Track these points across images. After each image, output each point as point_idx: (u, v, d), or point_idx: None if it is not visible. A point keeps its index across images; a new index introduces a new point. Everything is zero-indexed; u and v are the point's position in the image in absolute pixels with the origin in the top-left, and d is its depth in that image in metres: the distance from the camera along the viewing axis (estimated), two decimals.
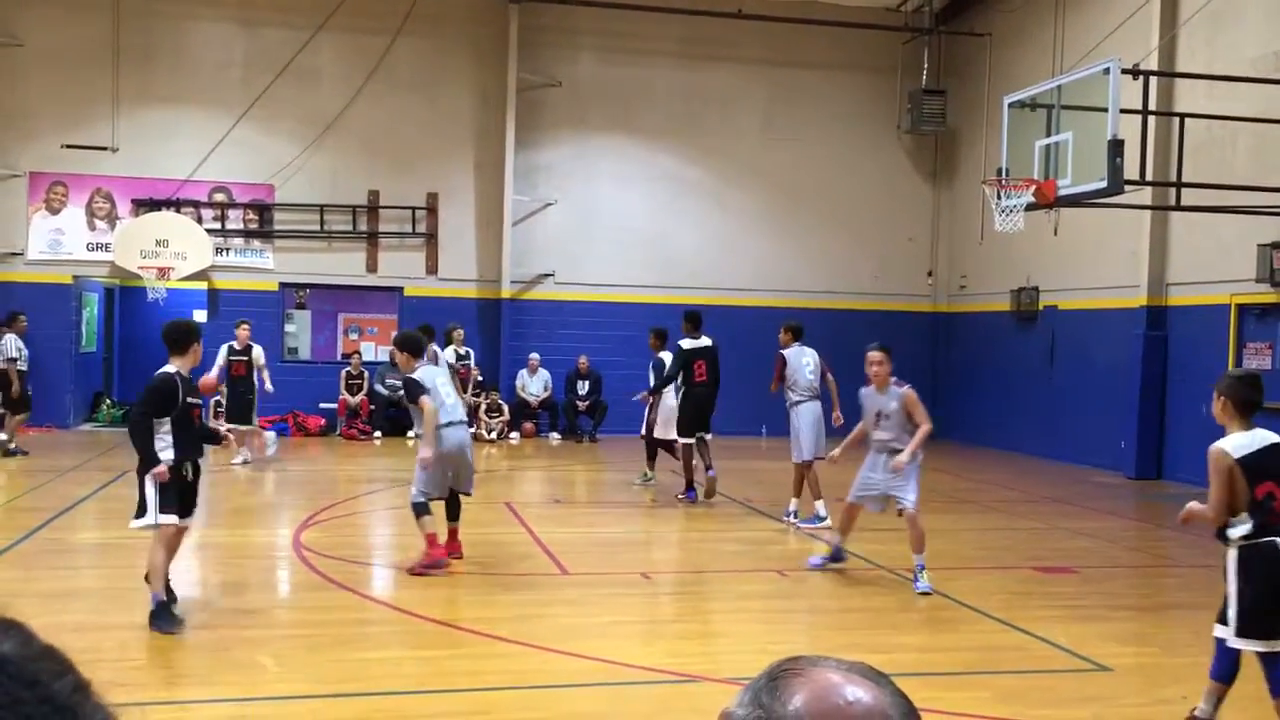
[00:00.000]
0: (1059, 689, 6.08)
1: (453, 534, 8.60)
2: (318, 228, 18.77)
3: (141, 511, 6.85)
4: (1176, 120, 12.17)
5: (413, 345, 8.56)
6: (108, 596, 7.62)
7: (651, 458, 13.14)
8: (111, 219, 18.14)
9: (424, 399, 8.02)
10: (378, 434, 18.06)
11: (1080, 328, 16.93)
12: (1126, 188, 10.71)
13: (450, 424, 8.31)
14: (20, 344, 15.36)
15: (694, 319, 12.42)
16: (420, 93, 19.04)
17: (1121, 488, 14.60)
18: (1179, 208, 12.68)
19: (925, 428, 8.07)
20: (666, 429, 12.58)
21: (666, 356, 12.77)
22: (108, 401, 19.51)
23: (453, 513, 8.63)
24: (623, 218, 19.72)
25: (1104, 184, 10.39)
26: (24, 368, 15.40)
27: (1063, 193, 11.01)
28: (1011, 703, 5.68)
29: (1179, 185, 11.75)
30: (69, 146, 17.89)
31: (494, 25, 19.03)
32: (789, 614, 7.70)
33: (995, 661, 6.50)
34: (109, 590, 7.81)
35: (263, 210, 18.65)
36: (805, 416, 10.88)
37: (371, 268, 19.08)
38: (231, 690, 5.68)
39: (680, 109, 19.96)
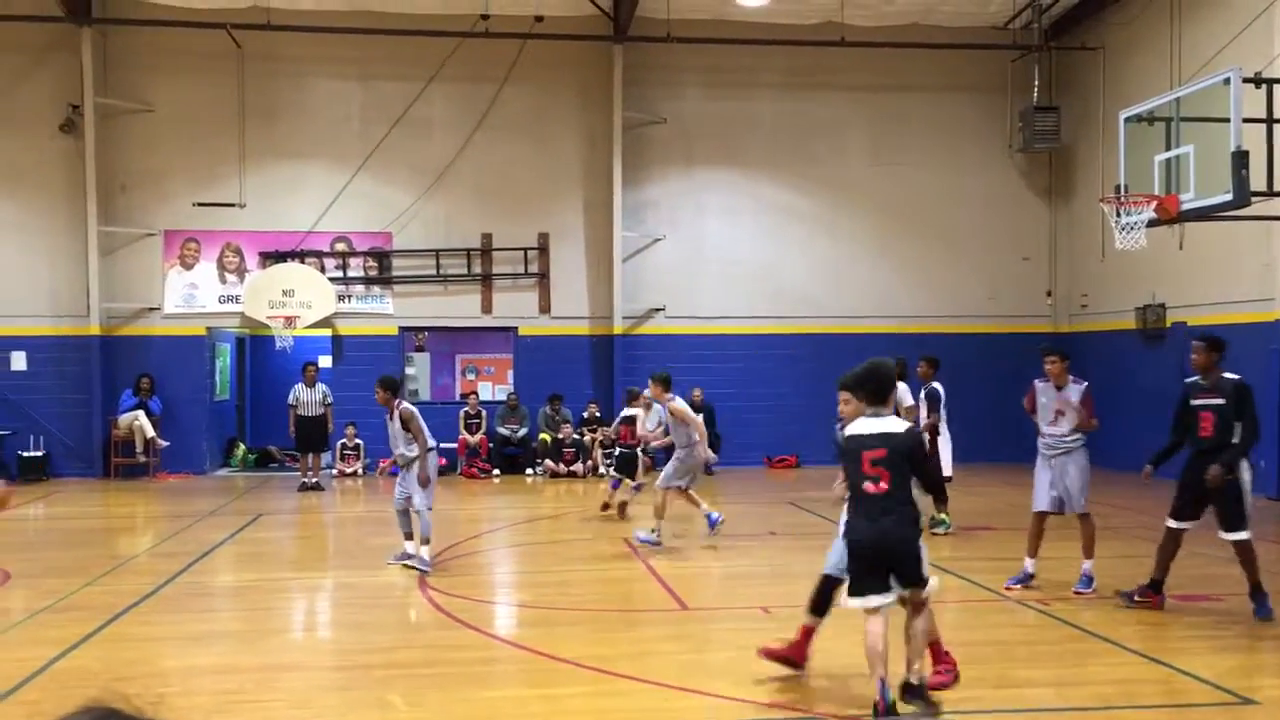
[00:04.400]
0: None
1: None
2: (434, 272, 19.27)
3: None
4: None
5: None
6: (245, 639, 7.90)
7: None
8: (241, 272, 18.93)
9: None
10: (496, 472, 18.37)
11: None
12: (1254, 199, 10.34)
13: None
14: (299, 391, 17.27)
15: (936, 362, 12.32)
16: (529, 136, 19.46)
17: (1263, 509, 13.90)
18: None
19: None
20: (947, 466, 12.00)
21: (938, 386, 12.17)
22: (241, 447, 20.29)
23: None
24: (731, 250, 19.77)
25: (1229, 196, 10.05)
26: (304, 413, 17.32)
27: (1186, 207, 10.67)
28: None
29: None
30: (200, 204, 18.78)
31: (598, 67, 19.36)
32: None
33: (1134, 695, 6.28)
34: (247, 632, 8.10)
35: (381, 257, 19.24)
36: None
37: (486, 309, 19.49)
38: None
39: (786, 139, 19.96)
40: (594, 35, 19.10)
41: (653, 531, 11.42)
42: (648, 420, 19.01)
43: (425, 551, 10.04)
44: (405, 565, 10.13)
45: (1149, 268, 17.00)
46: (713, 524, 12.03)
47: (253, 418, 22.28)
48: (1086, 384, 9.05)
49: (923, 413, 11.81)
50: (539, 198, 19.54)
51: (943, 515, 11.96)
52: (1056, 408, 8.97)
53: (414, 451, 10.15)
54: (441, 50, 18.75)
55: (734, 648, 7.46)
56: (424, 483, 10.02)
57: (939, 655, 6.32)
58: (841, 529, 6.37)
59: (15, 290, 18.37)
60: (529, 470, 18.63)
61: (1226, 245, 15.58)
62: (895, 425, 5.97)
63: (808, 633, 6.62)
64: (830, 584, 6.55)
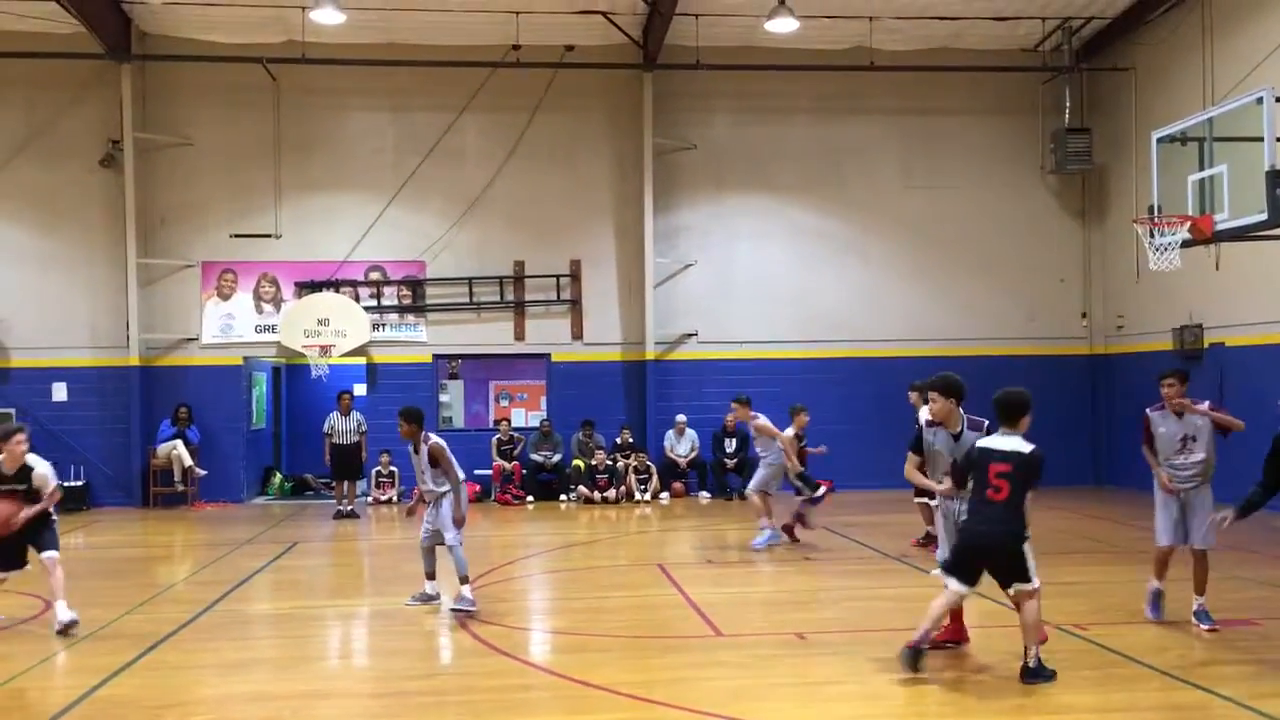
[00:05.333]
0: None
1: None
2: (467, 300, 19.41)
3: None
4: None
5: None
6: (282, 666, 7.96)
7: None
8: (277, 302, 19.15)
9: None
10: (530, 498, 18.42)
11: (1250, 365, 16.12)
12: None
13: None
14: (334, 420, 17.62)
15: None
16: (560, 164, 19.61)
17: None
18: None
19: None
20: None
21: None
22: (278, 475, 20.46)
23: None
24: (763, 274, 19.79)
25: (1264, 216, 9.96)
26: (339, 441, 17.58)
27: (1220, 227, 10.59)
28: None
29: None
30: (237, 236, 19.04)
31: (628, 94, 19.50)
32: (947, 673, 7.50)
33: None
34: (283, 659, 8.16)
35: (415, 286, 19.41)
36: None
37: (519, 336, 19.59)
38: None
39: (816, 164, 20.00)
40: (624, 64, 19.25)
41: (763, 531, 12.66)
42: (679, 445, 19.09)
43: (466, 590, 9.44)
44: (453, 610, 9.38)
45: (1185, 288, 16.85)
46: (765, 541, 12.86)
47: (289, 446, 22.46)
48: (1207, 402, 8.74)
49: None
50: (570, 225, 19.67)
51: None
52: (1184, 434, 8.49)
53: (444, 486, 9.70)
54: (473, 81, 18.96)
55: (770, 674, 7.44)
56: (459, 522, 9.59)
57: (958, 628, 7.83)
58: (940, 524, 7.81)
59: (56, 322, 18.68)
60: (563, 497, 18.66)
61: (1264, 265, 15.41)
62: (1024, 445, 7.06)
63: (957, 615, 7.77)
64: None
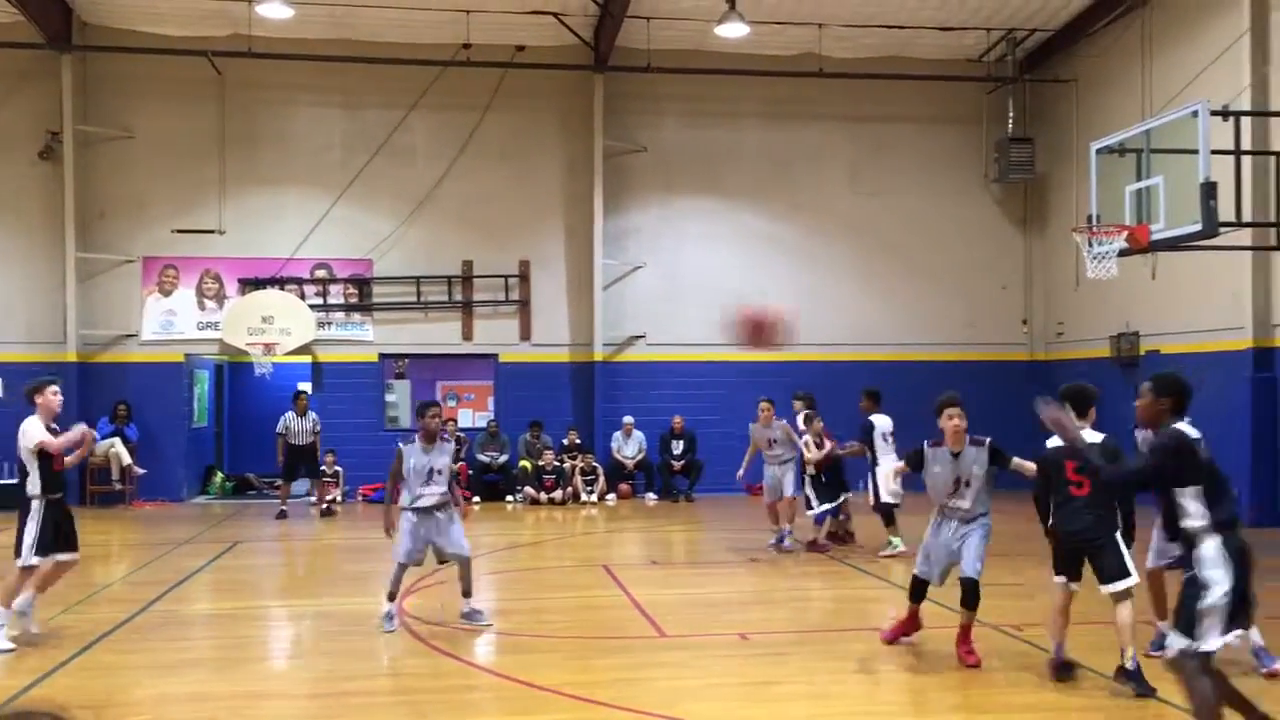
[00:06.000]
0: None
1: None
2: (414, 299, 19.29)
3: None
4: (1274, 159, 11.90)
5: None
6: (220, 666, 7.87)
7: (890, 523, 12.55)
8: (220, 299, 18.90)
9: None
10: (476, 499, 18.34)
11: (1185, 372, 16.44)
12: (1223, 229, 10.51)
13: None
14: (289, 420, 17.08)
15: (877, 396, 13.03)
16: (510, 164, 19.56)
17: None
18: None
19: None
20: (882, 491, 12.54)
21: (880, 421, 12.79)
22: (220, 475, 20.19)
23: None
24: (712, 277, 19.87)
25: (1198, 226, 10.21)
26: (295, 441, 17.03)
27: (1156, 237, 10.83)
28: None
29: (1279, 225, 11.47)
30: (179, 231, 18.76)
31: (579, 95, 19.50)
32: (891, 674, 7.60)
33: None
34: (221, 660, 8.07)
35: (362, 284, 19.25)
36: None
37: (467, 336, 19.51)
38: None
39: (766, 168, 20.13)
40: (575, 65, 19.25)
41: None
42: (626, 447, 19.11)
43: (476, 602, 9.07)
44: (472, 625, 8.81)
45: (1122, 297, 17.19)
46: (781, 540, 12.77)
47: (231, 445, 22.17)
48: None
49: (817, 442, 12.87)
50: (520, 225, 19.63)
51: (890, 537, 12.45)
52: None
53: (445, 491, 8.91)
54: (423, 79, 18.86)
55: (712, 674, 7.48)
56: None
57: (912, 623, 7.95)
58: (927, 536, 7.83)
59: None
60: (509, 497, 18.61)
61: (1198, 274, 15.78)
62: (1094, 436, 6.89)
63: (914, 612, 7.93)
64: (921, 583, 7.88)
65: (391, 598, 8.90)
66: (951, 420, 7.63)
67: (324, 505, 16.93)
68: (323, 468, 18.29)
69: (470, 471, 18.61)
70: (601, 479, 18.60)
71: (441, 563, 9.22)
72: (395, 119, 19.06)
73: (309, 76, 19.00)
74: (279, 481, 17.42)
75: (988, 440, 7.66)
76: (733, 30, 17.56)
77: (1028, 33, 19.34)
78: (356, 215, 19.17)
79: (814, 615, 9.70)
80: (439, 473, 8.82)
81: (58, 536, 8.37)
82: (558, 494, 18.21)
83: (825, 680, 7.31)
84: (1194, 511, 5.18)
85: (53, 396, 8.40)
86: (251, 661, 8.20)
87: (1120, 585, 6.93)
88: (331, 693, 7.13)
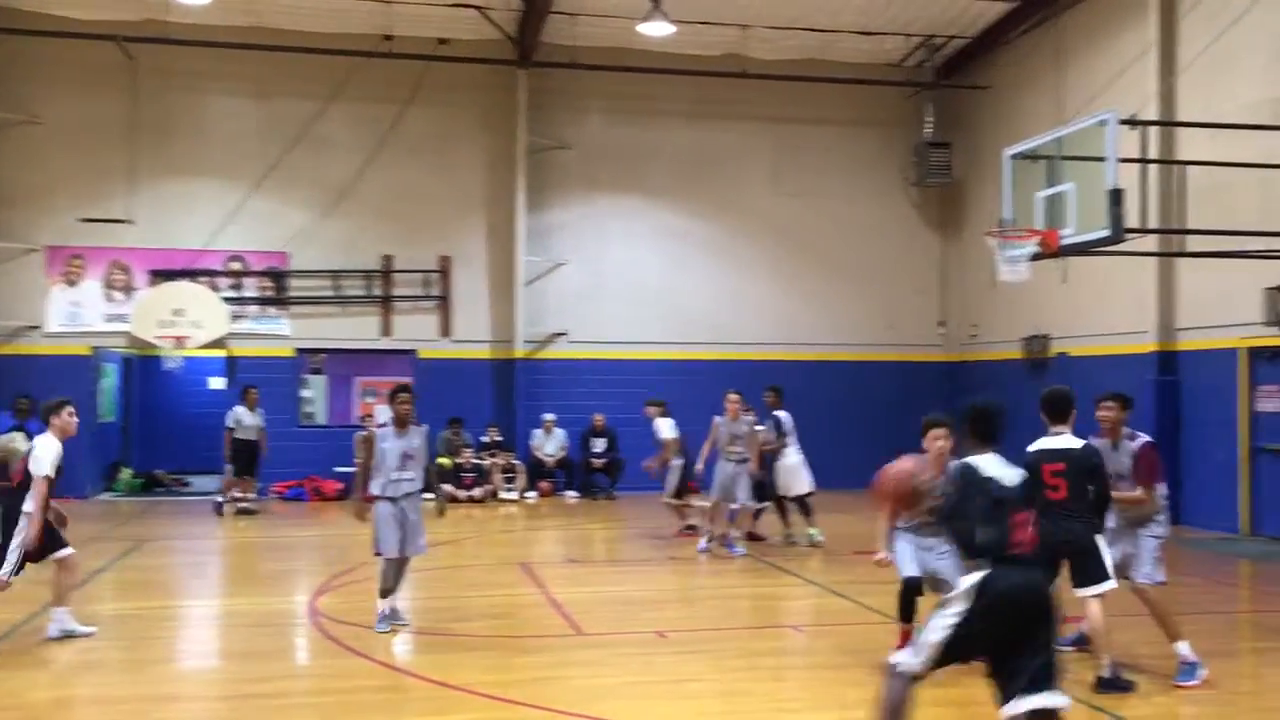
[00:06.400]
0: None
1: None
2: (332, 293, 18.99)
3: None
4: (1177, 168, 12.27)
5: None
6: (125, 669, 7.66)
7: (807, 514, 13.12)
8: (128, 290, 18.40)
9: None
10: None
11: (1092, 374, 16.88)
12: (1129, 236, 10.80)
13: None
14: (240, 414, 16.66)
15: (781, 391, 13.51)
16: (432, 158, 19.36)
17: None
18: (1184, 254, 12.75)
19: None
20: (795, 484, 13.02)
21: (784, 416, 13.21)
22: (127, 471, 19.64)
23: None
24: (634, 275, 19.90)
25: (1106, 233, 10.48)
26: (243, 436, 16.60)
27: (1066, 242, 11.09)
28: None
29: (1182, 232, 11.83)
30: (86, 220, 18.19)
31: (503, 91, 19.37)
32: (806, 670, 7.68)
33: None
34: (127, 662, 7.85)
35: (278, 277, 18.90)
36: None
37: (386, 331, 19.27)
38: None
39: (689, 167, 20.21)
40: (498, 59, 19.11)
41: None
42: (547, 444, 19.05)
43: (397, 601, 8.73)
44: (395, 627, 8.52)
45: (1034, 300, 17.59)
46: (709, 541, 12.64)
47: (139, 441, 21.59)
48: (1146, 440, 7.52)
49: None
50: (441, 220, 19.44)
51: (809, 529, 12.92)
52: (1114, 470, 7.31)
53: (418, 481, 8.76)
54: (343, 70, 18.58)
55: (629, 672, 7.49)
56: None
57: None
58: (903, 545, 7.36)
59: None
60: (427, 495, 18.38)
61: (1106, 279, 16.21)
62: (1074, 442, 6.88)
63: (906, 635, 7.22)
64: (914, 586, 7.35)
65: (385, 594, 8.59)
66: (936, 442, 7.20)
67: (239, 502, 16.58)
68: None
69: None
70: (521, 476, 18.52)
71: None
72: (314, 110, 18.74)
73: (225, 64, 18.56)
74: (226, 476, 17.04)
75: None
76: (657, 29, 17.58)
77: (946, 39, 19.68)
78: (273, 207, 18.80)
79: (731, 613, 9.76)
80: (411, 458, 8.62)
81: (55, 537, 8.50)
82: (477, 491, 18.07)
83: (740, 677, 7.36)
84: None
85: (69, 418, 8.38)
86: (159, 663, 8.00)
87: (1097, 589, 6.82)
88: (242, 694, 6.98)
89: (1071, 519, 6.78)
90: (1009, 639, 4.69)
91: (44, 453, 8.16)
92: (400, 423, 8.62)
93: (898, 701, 4.82)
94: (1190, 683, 6.96)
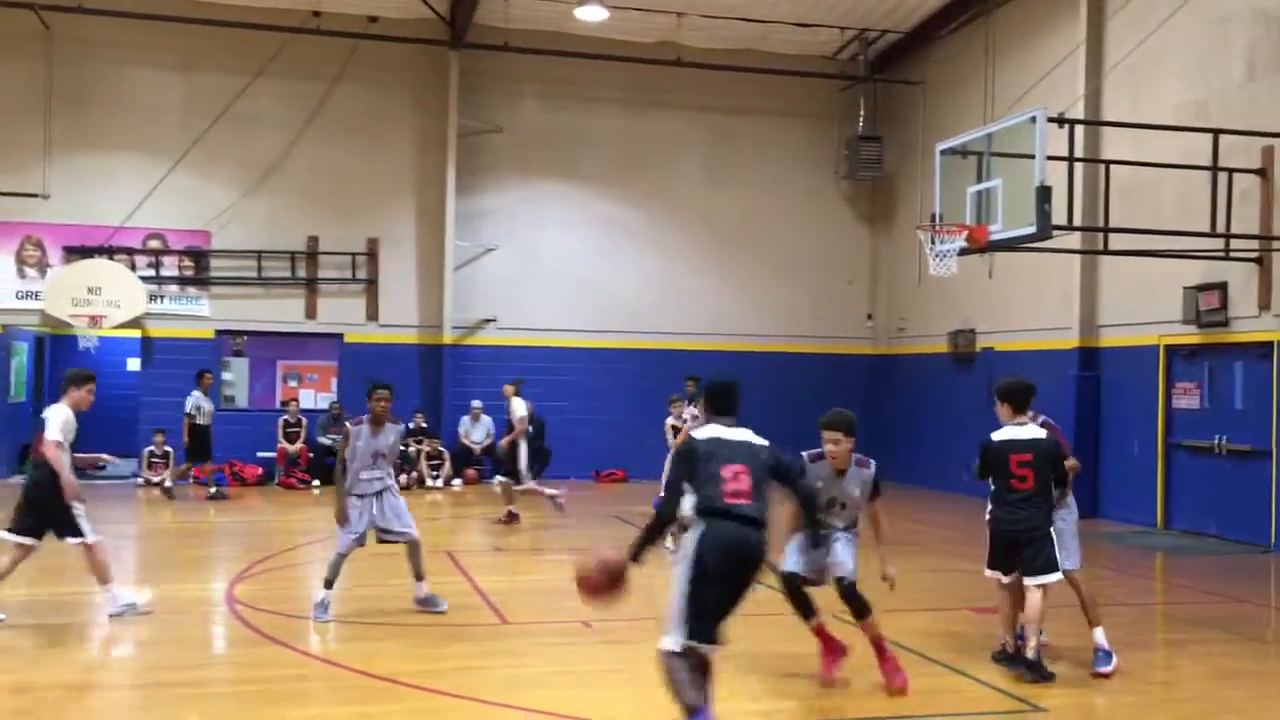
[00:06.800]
0: None
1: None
2: (255, 274, 18.59)
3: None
4: (1103, 166, 12.49)
5: None
6: (36, 656, 7.41)
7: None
8: (42, 266, 17.83)
9: None
10: (316, 483, 17.82)
11: (1016, 369, 17.15)
12: (1056, 233, 10.97)
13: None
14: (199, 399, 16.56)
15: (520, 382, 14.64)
16: (360, 138, 19.02)
17: None
18: (1107, 251, 13.01)
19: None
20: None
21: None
22: None
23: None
24: (565, 262, 19.78)
25: (1033, 229, 10.62)
26: (203, 421, 16.53)
27: (994, 238, 11.23)
28: None
29: (1106, 230, 12.05)
30: None
31: (434, 71, 19.10)
32: (726, 660, 7.65)
33: (935, 704, 6.52)
34: (38, 649, 7.59)
35: (199, 257, 18.45)
36: None
37: (311, 314, 18.92)
38: None
39: (622, 155, 20.12)
40: (430, 39, 18.83)
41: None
42: (474, 431, 18.87)
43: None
44: (429, 610, 8.61)
45: (961, 295, 17.84)
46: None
47: None
48: (1042, 417, 7.45)
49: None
50: (369, 202, 19.12)
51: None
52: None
53: (388, 476, 8.74)
54: (270, 45, 18.16)
55: (555, 662, 7.42)
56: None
57: (829, 643, 6.94)
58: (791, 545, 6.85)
59: None
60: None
61: (1031, 276, 16.49)
62: (1039, 432, 7.04)
63: (820, 630, 6.95)
64: (797, 582, 6.86)
65: (328, 585, 8.47)
66: (827, 445, 6.85)
67: (165, 484, 16.47)
68: (150, 448, 17.51)
69: (311, 455, 18.08)
70: (448, 464, 18.32)
71: (383, 543, 8.82)
72: (239, 85, 18.29)
73: (148, 35, 18.02)
74: (186, 464, 16.91)
75: (873, 465, 6.98)
76: (592, 14, 17.48)
77: (879, 33, 19.83)
78: (194, 184, 18.33)
79: (657, 603, 9.71)
80: (383, 456, 8.58)
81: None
82: (402, 478, 17.82)
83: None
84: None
85: (87, 394, 8.50)
86: (74, 650, 7.75)
87: (1046, 579, 6.88)
88: (157, 683, 6.78)
89: (1033, 508, 6.91)
90: (730, 586, 5.15)
91: (53, 419, 8.29)
92: (377, 421, 8.57)
93: (682, 679, 5.04)
94: (1107, 669, 7.08)
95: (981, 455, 7.14)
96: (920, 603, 9.43)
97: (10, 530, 8.30)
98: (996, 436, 7.08)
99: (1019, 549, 6.96)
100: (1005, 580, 7.11)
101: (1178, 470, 14.30)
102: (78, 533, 8.24)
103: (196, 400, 16.51)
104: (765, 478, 5.33)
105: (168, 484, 16.49)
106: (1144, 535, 13.80)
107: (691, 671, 5.10)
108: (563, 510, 13.99)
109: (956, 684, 6.93)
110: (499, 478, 14.40)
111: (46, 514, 8.27)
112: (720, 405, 5.61)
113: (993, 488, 7.10)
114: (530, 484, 14.15)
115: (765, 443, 5.48)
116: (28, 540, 8.28)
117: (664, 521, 5.41)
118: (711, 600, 5.13)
